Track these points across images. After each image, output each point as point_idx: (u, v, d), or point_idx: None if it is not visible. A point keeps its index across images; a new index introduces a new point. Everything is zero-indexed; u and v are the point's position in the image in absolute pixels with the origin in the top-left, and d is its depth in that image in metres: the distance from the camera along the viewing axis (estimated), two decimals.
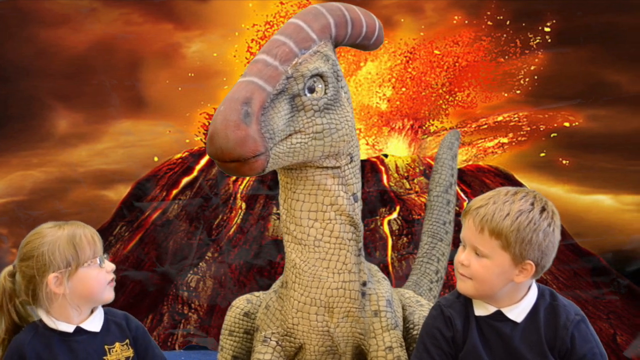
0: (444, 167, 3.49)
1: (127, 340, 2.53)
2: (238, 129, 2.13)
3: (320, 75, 2.34)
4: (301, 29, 2.34)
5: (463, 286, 2.35)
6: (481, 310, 2.37)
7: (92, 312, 2.51)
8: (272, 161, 2.24)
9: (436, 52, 7.73)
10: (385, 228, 7.21)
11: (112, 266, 2.50)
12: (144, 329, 2.61)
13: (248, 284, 6.86)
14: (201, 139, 7.71)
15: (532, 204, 2.28)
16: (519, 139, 7.46)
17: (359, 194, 2.53)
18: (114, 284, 2.51)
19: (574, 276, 6.82)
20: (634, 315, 6.68)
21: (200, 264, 7.03)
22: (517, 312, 2.34)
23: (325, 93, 2.35)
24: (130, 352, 2.52)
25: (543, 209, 2.28)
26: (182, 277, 6.94)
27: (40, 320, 2.47)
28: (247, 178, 7.40)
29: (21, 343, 2.43)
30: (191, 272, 6.99)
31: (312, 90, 2.33)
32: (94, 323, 2.49)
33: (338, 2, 2.48)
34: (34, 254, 2.42)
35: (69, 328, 2.45)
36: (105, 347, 2.48)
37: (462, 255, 2.34)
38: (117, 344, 2.50)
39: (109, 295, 2.49)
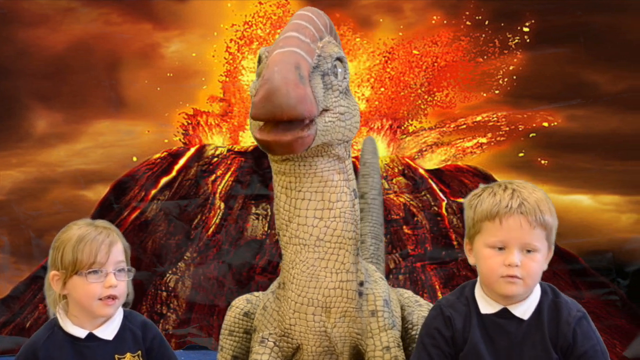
0: (374, 170, 3.54)
1: (140, 352, 2.48)
2: (298, 87, 2.11)
3: (340, 60, 2.37)
4: (313, 20, 2.36)
5: (515, 289, 2.30)
6: (487, 308, 2.37)
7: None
8: (317, 138, 2.25)
9: (415, 52, 7.75)
10: None
11: (112, 282, 2.39)
12: (161, 339, 2.56)
13: (227, 283, 6.84)
14: (180, 139, 7.69)
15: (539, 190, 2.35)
16: (498, 139, 7.49)
17: (357, 191, 2.55)
18: (113, 302, 2.41)
19: (552, 276, 6.86)
20: (612, 315, 6.73)
21: (179, 264, 7.01)
22: (524, 310, 2.35)
23: (344, 78, 2.38)
24: None
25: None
26: (161, 277, 6.92)
27: (57, 320, 2.46)
28: (226, 178, 7.40)
29: (36, 342, 2.43)
30: (170, 272, 6.96)
31: (335, 73, 2.34)
32: (108, 330, 2.45)
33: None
34: (53, 246, 2.44)
35: (81, 333, 2.43)
36: (116, 356, 2.44)
37: (514, 258, 2.27)
38: (128, 354, 2.46)
39: (102, 311, 2.41)
